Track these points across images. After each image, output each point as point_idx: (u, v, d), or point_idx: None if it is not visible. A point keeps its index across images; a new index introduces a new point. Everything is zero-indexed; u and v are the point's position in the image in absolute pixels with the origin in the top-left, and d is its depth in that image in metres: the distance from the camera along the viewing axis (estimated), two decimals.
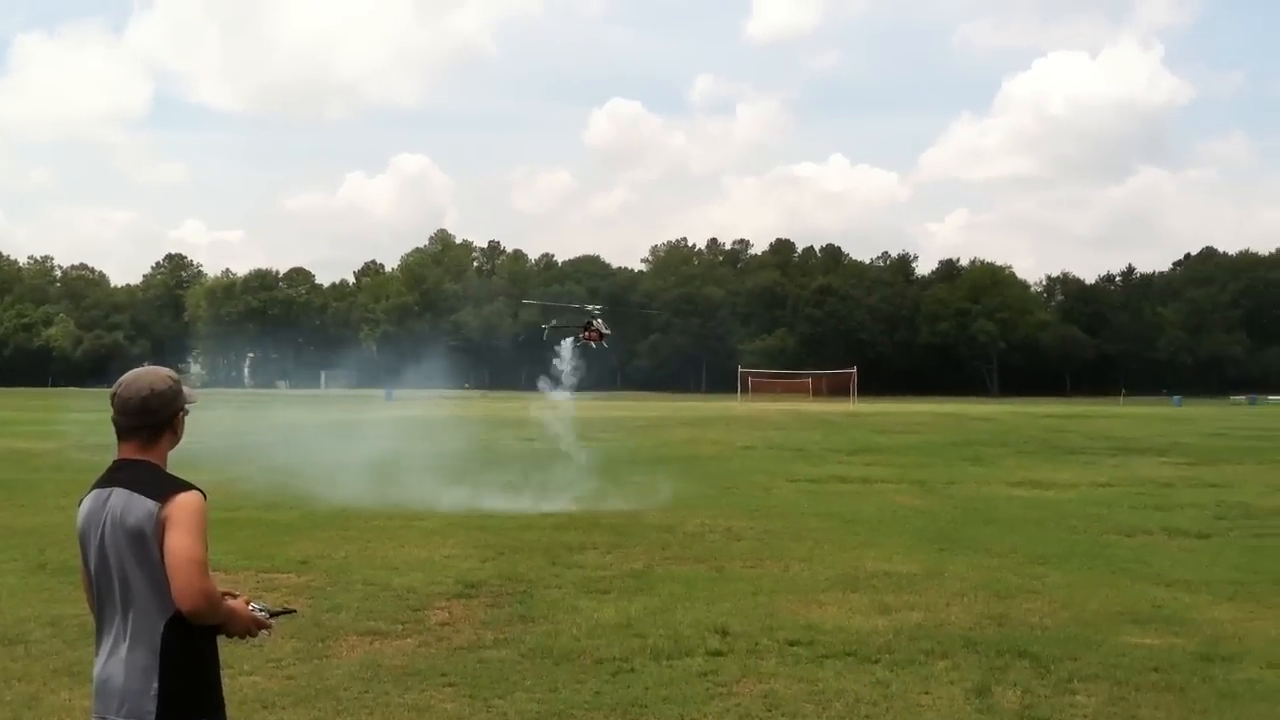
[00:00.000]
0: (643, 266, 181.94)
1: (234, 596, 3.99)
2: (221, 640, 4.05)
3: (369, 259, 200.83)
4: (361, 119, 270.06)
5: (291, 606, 5.25)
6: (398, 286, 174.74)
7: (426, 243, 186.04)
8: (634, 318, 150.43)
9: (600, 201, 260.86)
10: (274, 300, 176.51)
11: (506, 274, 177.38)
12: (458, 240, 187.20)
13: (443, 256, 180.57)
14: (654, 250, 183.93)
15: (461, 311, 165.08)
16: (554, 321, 22.58)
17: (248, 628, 4.00)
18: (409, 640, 9.66)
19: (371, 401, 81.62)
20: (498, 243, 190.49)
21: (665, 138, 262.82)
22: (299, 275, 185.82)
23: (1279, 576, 12.96)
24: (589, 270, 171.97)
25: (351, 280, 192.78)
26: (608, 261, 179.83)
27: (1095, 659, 9.14)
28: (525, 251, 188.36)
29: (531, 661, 8.94)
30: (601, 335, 22.18)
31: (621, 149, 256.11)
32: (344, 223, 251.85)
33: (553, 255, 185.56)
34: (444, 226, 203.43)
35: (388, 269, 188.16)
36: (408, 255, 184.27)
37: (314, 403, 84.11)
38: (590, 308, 22.65)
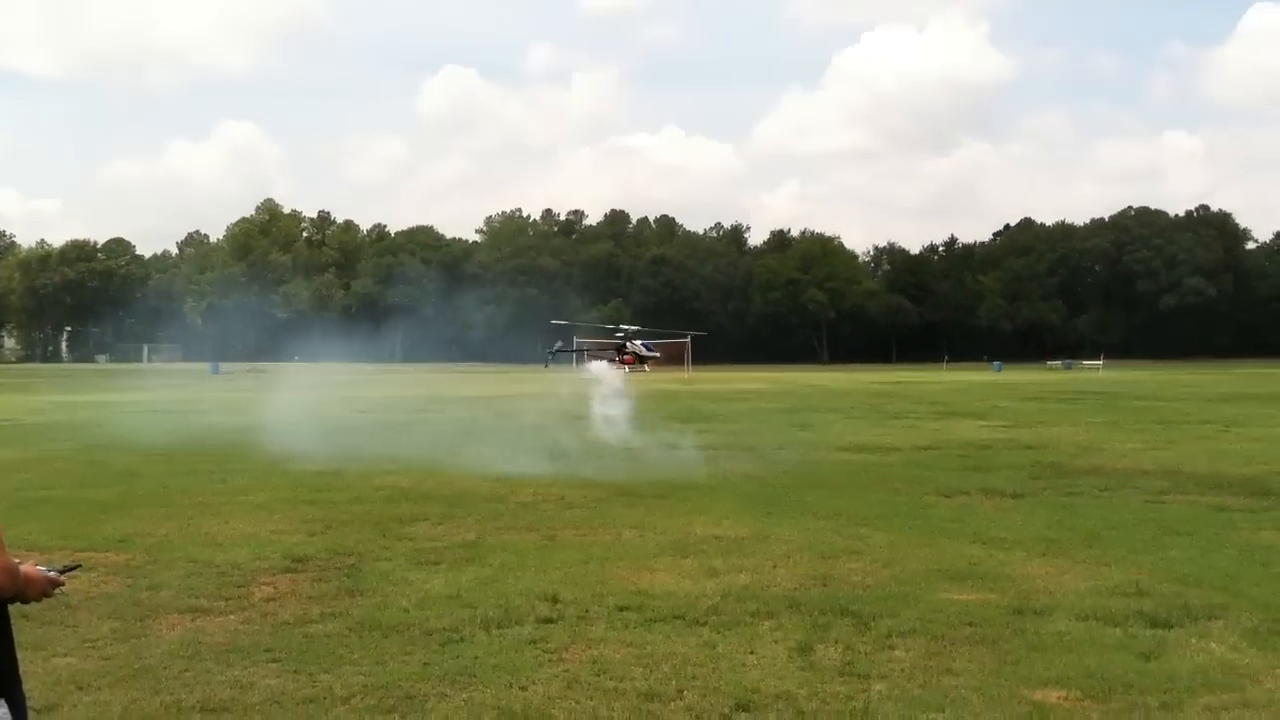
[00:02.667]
0: (477, 237, 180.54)
1: (19, 562, 3.85)
2: (34, 623, 3.92)
3: (193, 229, 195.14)
4: (186, 86, 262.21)
5: (76, 562, 5.08)
6: (223, 257, 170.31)
7: (253, 213, 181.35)
8: (469, 288, 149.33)
9: (434, 171, 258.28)
10: (93, 272, 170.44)
11: (337, 245, 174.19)
12: (286, 210, 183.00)
13: (270, 227, 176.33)
14: (489, 221, 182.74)
15: (291, 283, 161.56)
16: (557, 345, 20.15)
17: (44, 590, 3.87)
18: (232, 617, 9.46)
19: (197, 376, 79.45)
20: (328, 213, 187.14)
21: (500, 107, 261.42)
22: (119, 246, 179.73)
23: (1088, 533, 13.54)
24: (422, 241, 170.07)
25: (175, 251, 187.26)
26: (442, 232, 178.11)
27: (914, 615, 9.43)
28: (357, 222, 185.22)
29: (359, 634, 8.84)
30: (642, 358, 19.56)
31: (456, 118, 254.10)
32: (167, 192, 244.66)
33: (385, 226, 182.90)
34: (272, 196, 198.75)
35: (213, 239, 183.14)
36: (234, 225, 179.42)
37: (131, 377, 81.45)
38: (624, 328, 19.97)
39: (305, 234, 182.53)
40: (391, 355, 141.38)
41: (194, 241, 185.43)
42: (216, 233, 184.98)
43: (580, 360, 19.26)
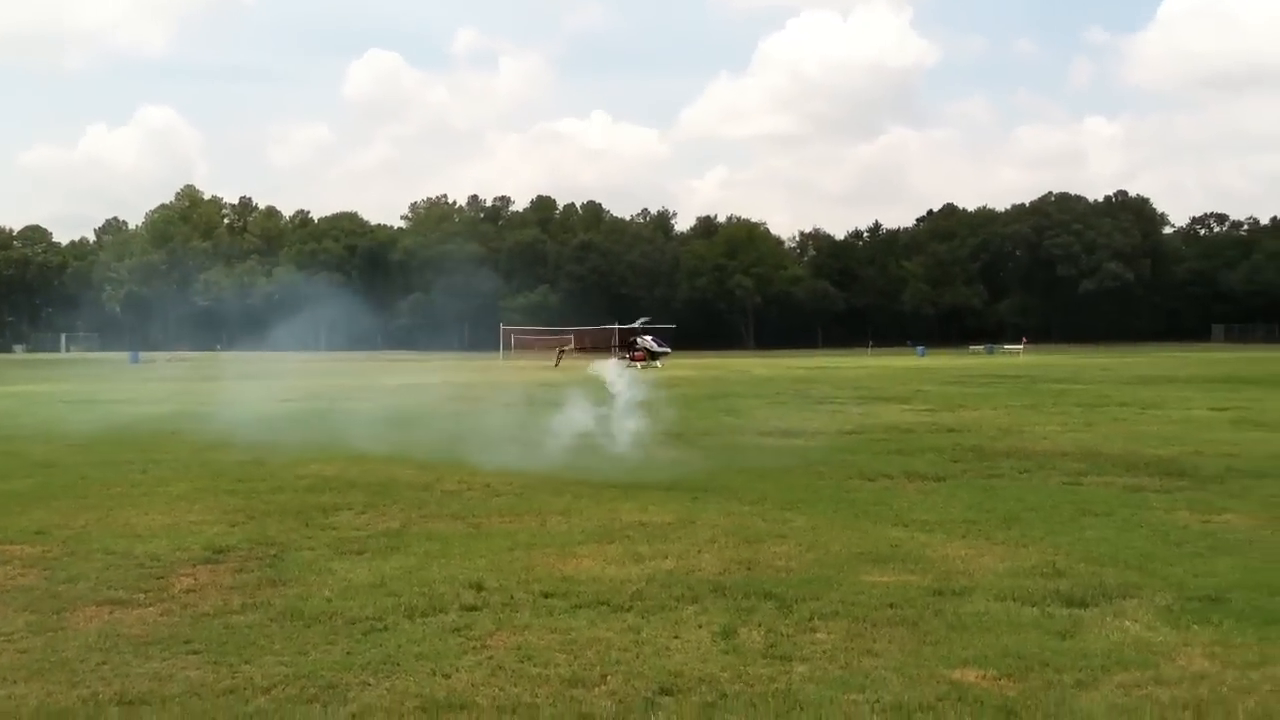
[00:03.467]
0: (403, 224, 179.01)
1: None
2: None
3: (111, 216, 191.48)
4: (103, 68, 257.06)
5: None
6: (143, 244, 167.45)
7: (173, 199, 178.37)
8: (394, 276, 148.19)
9: (359, 157, 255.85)
10: (8, 260, 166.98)
11: (259, 231, 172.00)
12: (207, 196, 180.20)
13: (191, 213, 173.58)
14: (414, 207, 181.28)
15: (212, 270, 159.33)
16: (566, 348, 18.88)
17: None
18: (151, 609, 9.34)
19: (116, 366, 78.17)
20: (250, 199, 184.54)
21: (426, 92, 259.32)
22: (34, 233, 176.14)
23: (1007, 515, 13.75)
24: (346, 228, 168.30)
25: (92, 238, 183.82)
26: (366, 219, 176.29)
27: (836, 597, 9.54)
28: (279, 208, 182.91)
29: (281, 625, 8.78)
30: (653, 354, 18.36)
31: (380, 103, 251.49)
32: (83, 178, 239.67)
33: (309, 212, 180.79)
34: (192, 182, 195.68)
35: (131, 226, 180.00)
36: (153, 212, 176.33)
37: (49, 367, 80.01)
38: (638, 323, 18.75)
39: (226, 220, 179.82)
40: (315, 343, 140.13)
41: (112, 228, 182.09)
42: (136, 219, 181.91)
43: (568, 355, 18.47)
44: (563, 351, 18.57)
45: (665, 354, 17.66)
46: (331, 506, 14.50)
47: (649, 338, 17.91)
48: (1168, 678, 7.42)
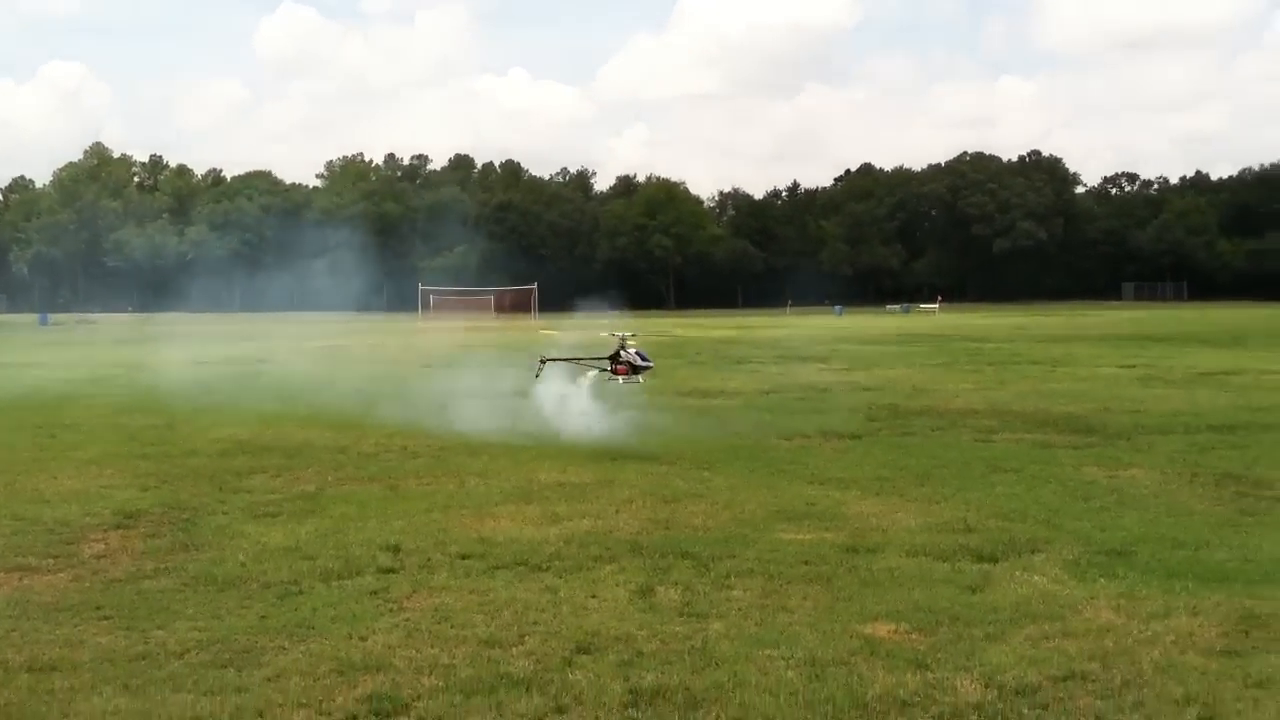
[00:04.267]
0: (318, 182, 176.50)
1: None
2: None
3: (16, 174, 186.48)
4: (8, 24, 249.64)
5: None
6: (50, 204, 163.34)
7: (82, 157, 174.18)
8: (310, 235, 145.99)
9: (272, 114, 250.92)
10: None
11: (171, 190, 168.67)
12: (116, 154, 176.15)
13: (100, 172, 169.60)
14: (329, 165, 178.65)
15: (122, 230, 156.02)
16: (548, 355, 17.40)
17: None
18: (61, 575, 9.20)
19: (24, 328, 76.55)
20: (160, 157, 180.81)
21: (341, 47, 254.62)
22: None
23: (920, 472, 13.96)
24: (260, 186, 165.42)
25: None
26: (280, 177, 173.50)
27: (752, 555, 9.64)
28: (191, 167, 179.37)
29: (194, 589, 8.69)
30: (635, 368, 17.35)
31: (295, 58, 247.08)
32: None
33: (221, 170, 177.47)
34: (101, 140, 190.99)
35: (39, 185, 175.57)
36: (61, 170, 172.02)
37: None
38: (618, 335, 17.66)
39: (137, 179, 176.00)
40: (230, 304, 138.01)
41: (19, 187, 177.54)
42: (43, 178, 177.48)
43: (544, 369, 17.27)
44: (544, 361, 18.00)
45: (648, 368, 17.18)
46: (246, 470, 14.35)
47: (634, 349, 17.48)
48: (1074, 630, 7.60)
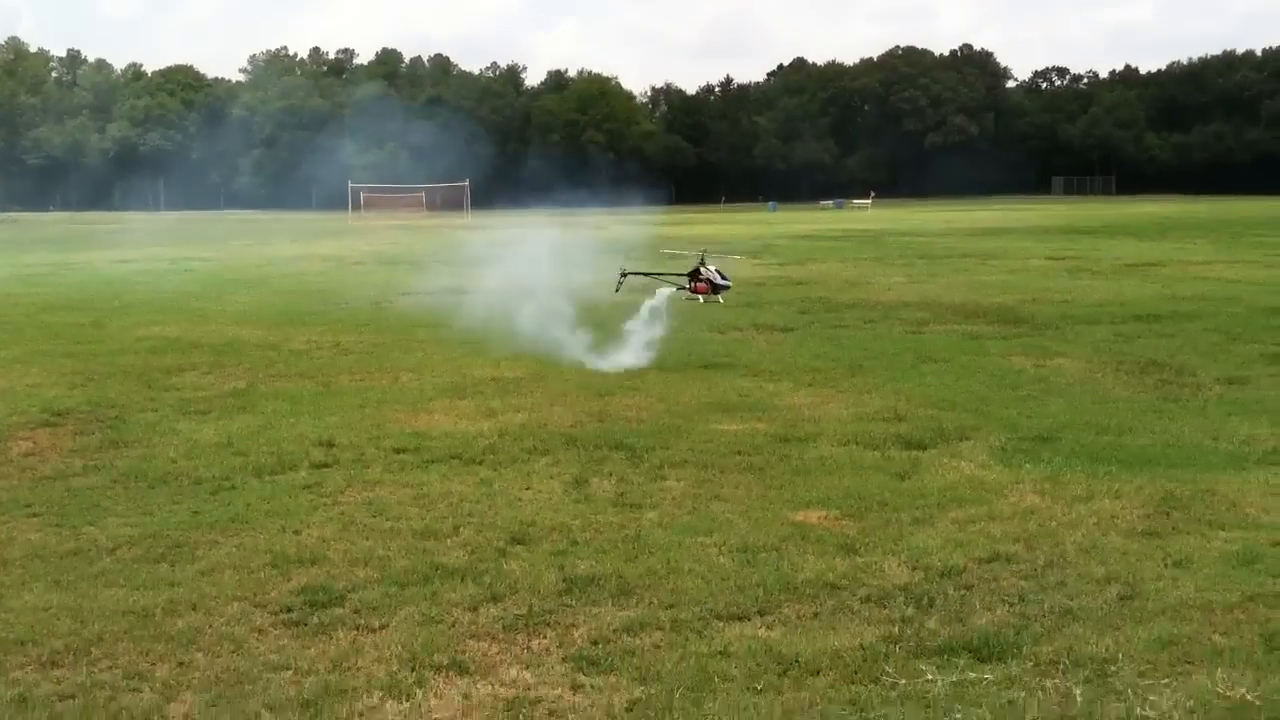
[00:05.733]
0: (241, 78, 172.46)
1: None
2: None
3: None
4: None
5: None
6: None
7: None
8: (235, 132, 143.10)
9: (193, 5, 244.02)
10: None
11: (90, 86, 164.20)
12: (33, 49, 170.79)
13: (16, 67, 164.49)
14: (253, 60, 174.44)
15: (41, 128, 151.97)
16: (627, 268, 16.61)
17: None
18: None
19: None
20: (78, 51, 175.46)
21: None
22: None
23: (851, 363, 14.10)
24: (182, 81, 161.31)
25: None
26: (203, 72, 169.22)
27: (685, 446, 9.72)
28: (110, 61, 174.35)
29: (124, 486, 8.63)
30: (715, 286, 16.68)
31: None
32: None
33: (141, 65, 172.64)
34: (16, 34, 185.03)
35: None
36: None
37: None
38: (699, 251, 16.88)
39: (54, 74, 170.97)
40: (155, 203, 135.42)
41: None
42: None
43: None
44: (624, 274, 17.34)
45: (727, 287, 16.72)
46: (175, 368, 14.19)
47: (713, 267, 16.98)
48: (1000, 513, 7.75)
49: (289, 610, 6.14)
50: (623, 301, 16.89)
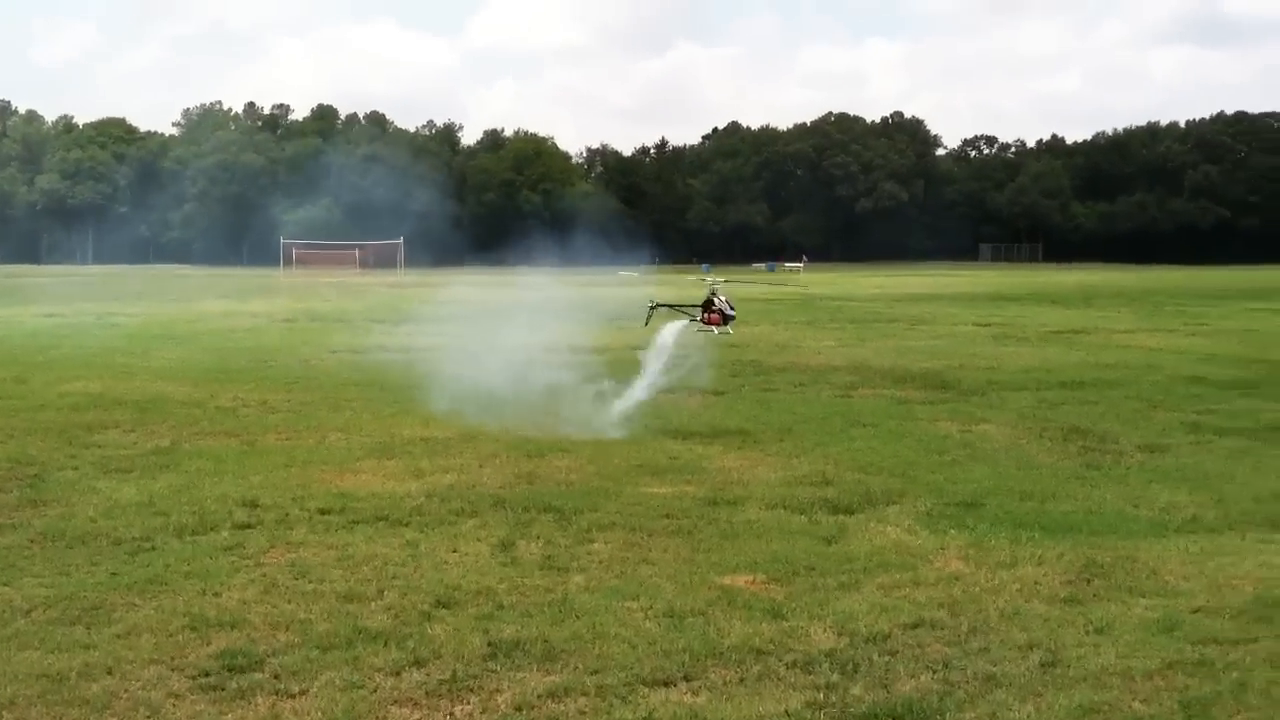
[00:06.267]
0: (175, 131, 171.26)
1: None
2: None
3: None
4: None
5: None
6: None
7: None
8: (166, 186, 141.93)
9: (128, 59, 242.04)
10: None
11: (20, 137, 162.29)
12: None
13: None
14: (187, 114, 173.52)
15: None
16: (654, 302, 16.90)
17: None
18: None
19: None
20: (8, 102, 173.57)
21: None
22: None
23: (781, 427, 14.18)
24: (114, 134, 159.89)
25: None
26: (135, 125, 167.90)
27: (614, 509, 9.70)
28: (41, 113, 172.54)
29: (41, 546, 8.46)
30: (725, 317, 16.79)
31: (152, 1, 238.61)
32: None
33: (73, 117, 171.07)
34: None
35: None
36: None
37: None
38: (710, 279, 17.19)
39: None
40: (83, 256, 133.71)
41: None
42: None
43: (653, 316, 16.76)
44: (654, 306, 17.07)
45: (733, 318, 16.59)
46: (97, 424, 13.96)
47: (723, 298, 16.65)
48: (925, 579, 7.80)
49: (207, 675, 6.03)
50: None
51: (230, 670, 6.07)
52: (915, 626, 6.83)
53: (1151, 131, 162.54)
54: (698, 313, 16.53)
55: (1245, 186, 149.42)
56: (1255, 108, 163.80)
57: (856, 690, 5.90)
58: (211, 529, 8.93)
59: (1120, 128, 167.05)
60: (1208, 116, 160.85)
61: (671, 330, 15.95)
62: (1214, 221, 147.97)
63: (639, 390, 14.64)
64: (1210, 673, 6.15)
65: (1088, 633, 6.76)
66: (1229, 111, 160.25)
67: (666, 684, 5.97)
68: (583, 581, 7.69)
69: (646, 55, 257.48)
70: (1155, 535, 9.02)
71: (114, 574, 7.75)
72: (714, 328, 16.53)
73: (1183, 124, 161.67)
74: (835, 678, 6.05)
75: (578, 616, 6.95)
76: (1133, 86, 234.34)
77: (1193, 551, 8.50)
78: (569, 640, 6.54)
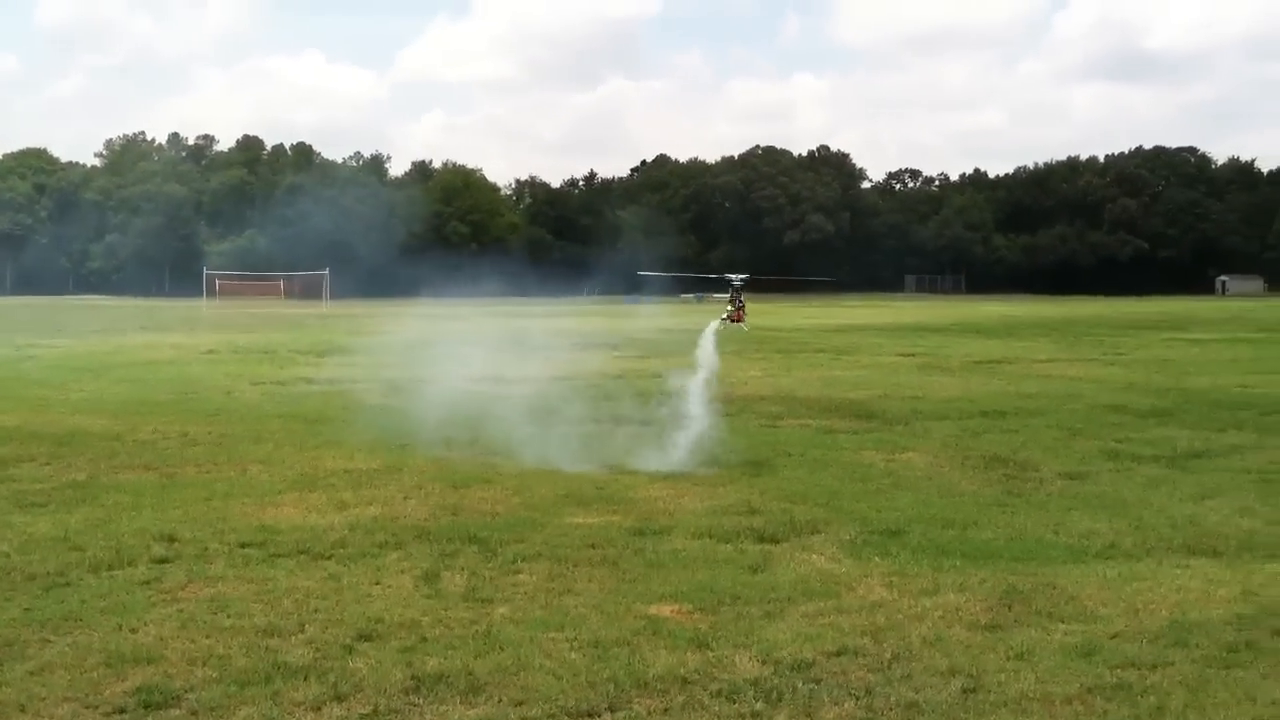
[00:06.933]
0: (97, 162, 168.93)
1: None
2: None
3: None
4: None
5: None
6: None
7: None
8: (88, 217, 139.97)
9: (50, 89, 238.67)
10: None
11: None
12: None
13: None
14: (109, 144, 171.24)
15: None
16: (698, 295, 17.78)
17: None
18: None
19: None
20: None
21: (129, 20, 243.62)
22: None
23: (708, 456, 14.17)
24: (34, 165, 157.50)
25: None
26: (57, 155, 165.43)
27: (540, 539, 9.67)
28: None
29: None
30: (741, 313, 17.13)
31: (77, 30, 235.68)
32: None
33: None
34: None
35: None
36: None
37: None
38: (732, 277, 17.31)
39: None
40: (1, 287, 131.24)
41: None
42: None
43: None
44: (738, 309, 16.83)
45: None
46: (12, 458, 13.68)
47: (741, 299, 16.63)
48: (848, 607, 7.85)
49: (122, 711, 5.94)
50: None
51: (146, 707, 5.97)
52: (839, 654, 6.86)
53: (1072, 166, 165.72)
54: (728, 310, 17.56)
55: (1163, 219, 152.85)
56: (1173, 142, 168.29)
57: (781, 718, 5.91)
58: (128, 564, 8.78)
59: (1041, 162, 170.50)
60: (1126, 151, 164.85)
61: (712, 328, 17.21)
62: (1132, 253, 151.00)
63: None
64: (1128, 697, 6.23)
65: (1008, 659, 6.83)
66: (1147, 146, 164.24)
67: (591, 715, 5.95)
68: (507, 613, 7.64)
69: (576, 89, 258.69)
70: (1074, 561, 9.15)
71: (28, 610, 7.59)
72: (744, 324, 17.88)
73: (1102, 158, 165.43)
74: (759, 706, 6.06)
75: (502, 648, 6.91)
76: (1053, 122, 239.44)
77: (1111, 577, 8.62)
78: (493, 672, 6.50)
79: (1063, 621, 7.54)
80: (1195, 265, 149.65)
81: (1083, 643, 7.09)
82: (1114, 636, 7.22)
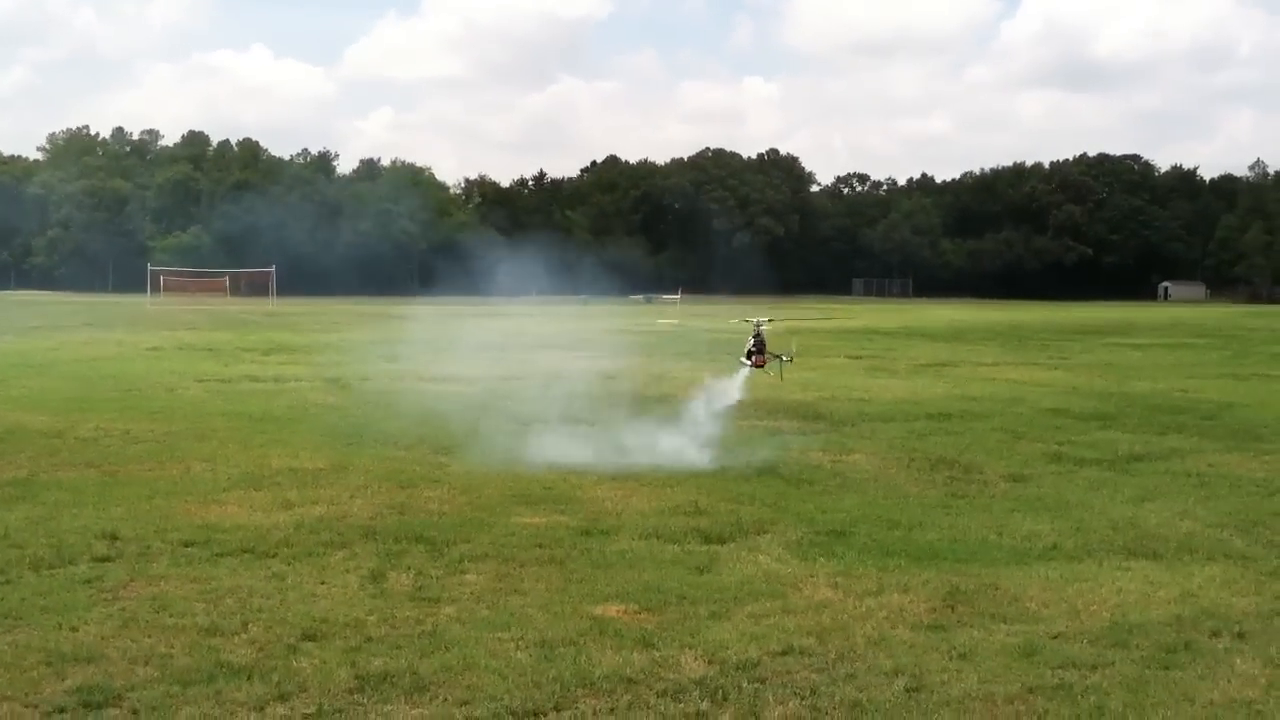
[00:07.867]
0: (40, 156, 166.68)
1: None
2: None
3: None
4: None
5: None
6: None
7: None
8: (30, 212, 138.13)
9: None
10: None
11: None
12: None
13: None
14: (52, 139, 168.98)
15: None
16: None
17: None
18: None
19: None
20: None
21: (72, 14, 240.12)
22: None
23: (656, 457, 14.18)
24: None
25: None
26: None
27: (487, 539, 9.65)
28: None
29: None
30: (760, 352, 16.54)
31: (19, 22, 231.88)
32: None
33: None
34: None
35: None
36: None
37: None
38: (755, 320, 16.58)
39: None
40: None
41: None
42: None
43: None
44: (786, 357, 16.08)
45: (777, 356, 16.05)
46: None
47: (763, 336, 15.89)
48: (794, 607, 7.89)
49: (62, 710, 5.88)
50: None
51: (87, 706, 5.91)
52: (784, 654, 6.90)
53: (1018, 172, 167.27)
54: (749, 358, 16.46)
55: (1107, 225, 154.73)
56: (1117, 150, 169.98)
57: (725, 718, 5.94)
58: (69, 562, 8.68)
59: (988, 168, 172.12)
60: (1071, 158, 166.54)
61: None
62: (1077, 259, 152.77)
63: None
64: (1069, 697, 6.31)
65: (951, 658, 6.89)
66: (1092, 153, 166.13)
67: (537, 714, 5.95)
68: (454, 612, 7.62)
69: (527, 88, 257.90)
70: (1017, 563, 9.24)
71: None
72: (772, 369, 16.72)
73: (1048, 165, 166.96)
74: (705, 706, 6.08)
75: (448, 648, 6.89)
76: (1000, 128, 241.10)
77: (1053, 578, 8.72)
78: (438, 672, 6.48)
79: (1005, 622, 7.62)
80: (1139, 271, 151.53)
81: (1024, 643, 7.17)
82: (1055, 637, 7.31)
